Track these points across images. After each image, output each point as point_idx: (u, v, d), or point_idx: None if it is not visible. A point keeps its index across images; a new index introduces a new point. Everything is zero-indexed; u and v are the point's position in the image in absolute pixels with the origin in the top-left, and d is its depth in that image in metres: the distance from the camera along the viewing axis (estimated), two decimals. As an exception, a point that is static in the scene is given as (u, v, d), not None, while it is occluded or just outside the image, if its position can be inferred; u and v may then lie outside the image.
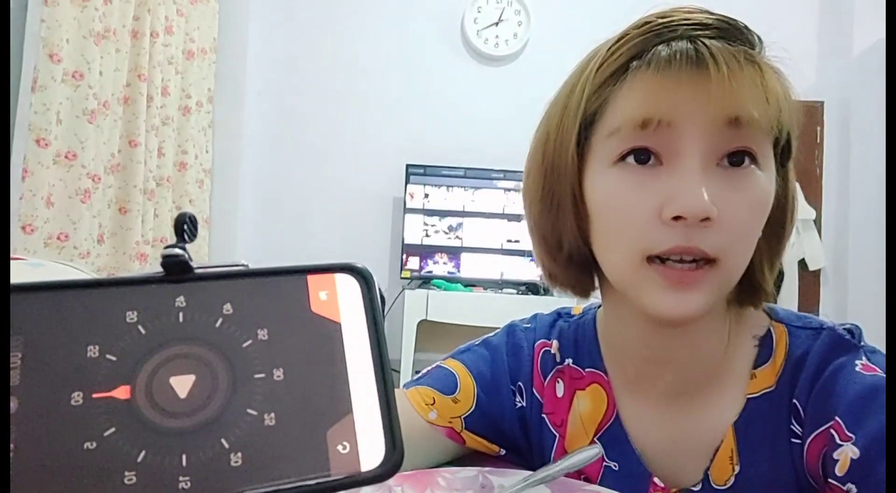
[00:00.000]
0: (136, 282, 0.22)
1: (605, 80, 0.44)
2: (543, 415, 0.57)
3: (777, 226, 0.47)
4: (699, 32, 0.42)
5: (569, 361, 0.57)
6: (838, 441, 0.42)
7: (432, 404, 0.57)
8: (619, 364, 0.54)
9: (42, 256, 1.76)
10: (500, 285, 2.73)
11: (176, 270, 0.22)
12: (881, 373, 0.44)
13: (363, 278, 0.24)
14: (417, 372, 0.62)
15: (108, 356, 0.21)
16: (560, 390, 0.56)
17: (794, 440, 0.46)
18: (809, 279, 2.90)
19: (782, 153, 0.45)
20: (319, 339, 0.22)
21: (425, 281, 2.72)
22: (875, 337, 0.48)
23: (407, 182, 2.78)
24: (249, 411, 0.21)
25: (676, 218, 0.40)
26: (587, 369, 0.55)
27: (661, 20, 0.43)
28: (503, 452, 0.60)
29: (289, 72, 2.94)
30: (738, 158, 0.41)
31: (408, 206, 2.78)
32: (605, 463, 0.52)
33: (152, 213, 2.29)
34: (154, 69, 2.23)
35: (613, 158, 0.43)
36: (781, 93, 0.42)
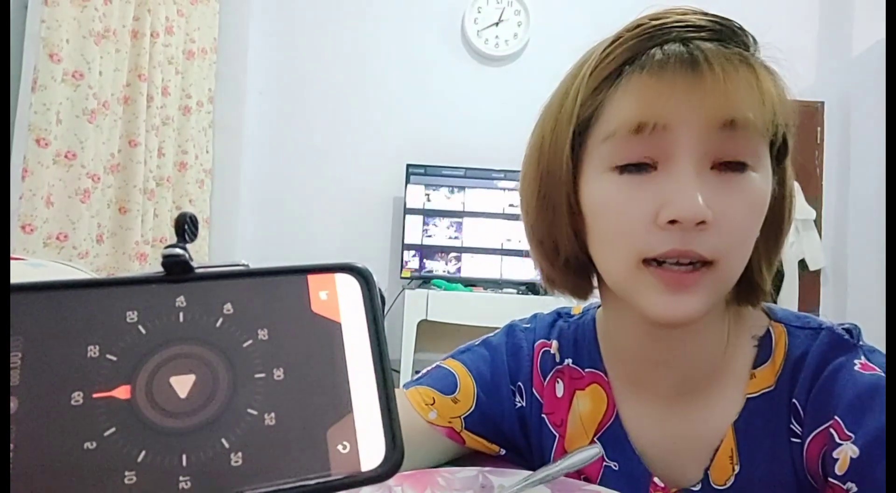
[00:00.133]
0: (137, 282, 0.22)
1: (598, 84, 0.44)
2: (543, 415, 0.57)
3: (775, 225, 0.47)
4: (693, 34, 0.42)
5: (568, 361, 0.57)
6: (838, 441, 0.42)
7: (432, 404, 0.57)
8: (619, 364, 0.54)
9: (41, 256, 1.76)
10: (500, 285, 2.73)
11: (176, 269, 0.22)
12: (880, 372, 0.44)
13: (363, 277, 0.24)
14: (417, 372, 0.62)
15: (109, 356, 0.21)
16: (560, 390, 0.56)
17: (793, 439, 0.46)
18: (809, 279, 2.90)
19: (778, 152, 0.45)
20: (320, 339, 0.22)
21: (425, 281, 2.72)
22: (875, 337, 0.48)
23: (407, 182, 2.78)
24: (250, 410, 0.21)
25: (672, 222, 0.40)
26: (587, 370, 0.55)
27: (654, 22, 0.43)
28: (503, 452, 0.60)
29: (289, 72, 2.93)
30: (732, 165, 0.41)
31: (408, 206, 2.78)
32: (605, 463, 0.52)
33: (152, 213, 2.29)
34: (154, 69, 2.23)
35: (609, 166, 0.43)
36: (776, 94, 0.42)
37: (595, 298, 0.54)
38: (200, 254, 2.54)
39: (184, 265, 0.23)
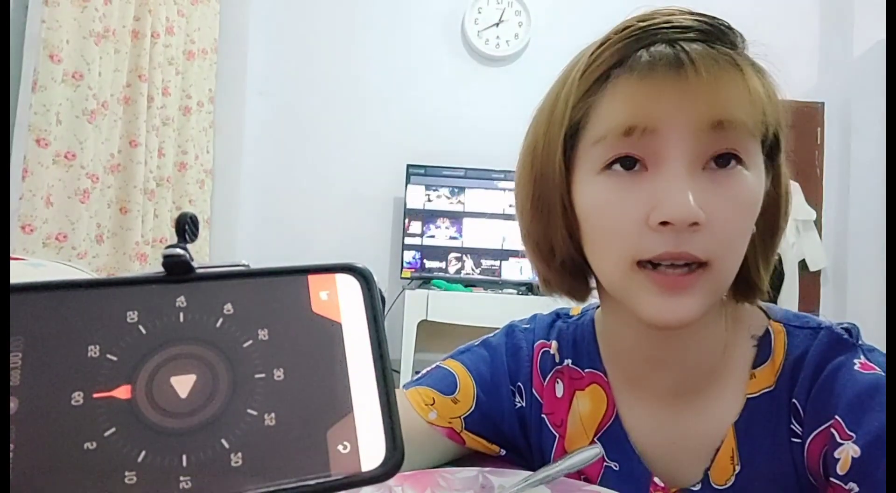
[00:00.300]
0: (137, 282, 0.22)
1: (588, 87, 0.44)
2: (543, 415, 0.57)
3: (770, 223, 0.47)
4: (679, 35, 0.41)
5: (568, 361, 0.57)
6: (839, 440, 0.42)
7: (432, 405, 0.57)
8: (618, 365, 0.54)
9: (41, 256, 1.76)
10: (499, 285, 2.73)
11: (177, 270, 0.22)
12: (879, 372, 0.44)
13: (364, 277, 0.24)
14: (417, 372, 0.62)
15: (109, 356, 0.21)
16: (559, 390, 0.56)
17: (794, 439, 0.46)
18: (810, 280, 2.90)
19: (770, 151, 0.45)
20: (320, 339, 0.22)
21: (425, 281, 2.72)
22: (875, 337, 0.48)
23: (407, 182, 2.78)
24: (250, 411, 0.21)
25: (664, 223, 0.40)
26: (586, 370, 0.55)
27: (641, 24, 0.42)
28: (503, 452, 0.60)
29: (289, 72, 2.93)
30: (723, 159, 0.41)
31: (408, 206, 2.78)
32: (605, 463, 0.52)
33: (152, 213, 2.28)
34: (155, 70, 2.23)
35: (600, 167, 0.43)
36: (764, 92, 0.42)
37: (594, 299, 0.54)
38: (201, 254, 2.54)
39: (184, 265, 0.22)
